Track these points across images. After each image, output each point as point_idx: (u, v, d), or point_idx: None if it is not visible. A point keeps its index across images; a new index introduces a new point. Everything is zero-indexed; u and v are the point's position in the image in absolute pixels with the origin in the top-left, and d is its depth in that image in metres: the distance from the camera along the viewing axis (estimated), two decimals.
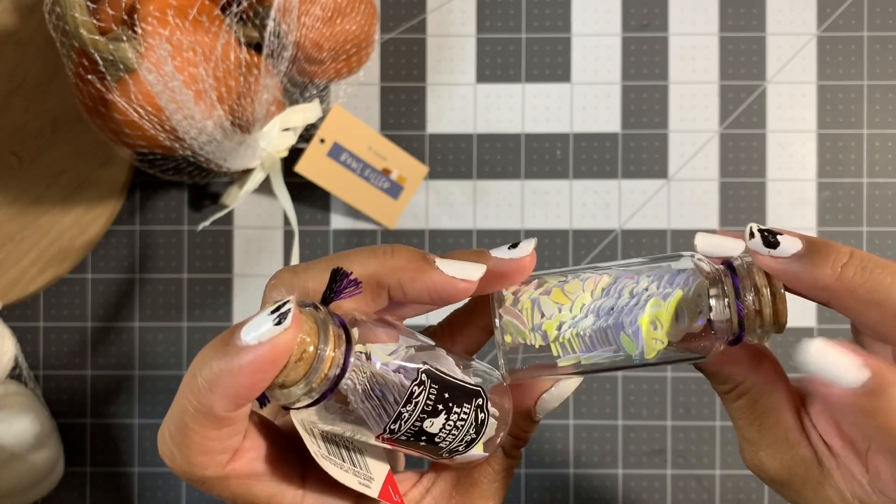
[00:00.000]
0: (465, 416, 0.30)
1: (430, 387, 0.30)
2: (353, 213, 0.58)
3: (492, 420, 0.32)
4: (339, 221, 0.58)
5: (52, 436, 0.54)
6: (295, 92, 0.52)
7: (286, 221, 0.58)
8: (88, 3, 0.45)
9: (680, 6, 0.58)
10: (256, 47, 0.49)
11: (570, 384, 0.33)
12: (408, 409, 0.29)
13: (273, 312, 0.26)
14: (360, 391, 0.29)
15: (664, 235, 0.58)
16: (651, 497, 0.58)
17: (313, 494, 0.30)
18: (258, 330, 0.26)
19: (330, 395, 0.28)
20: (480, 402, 0.31)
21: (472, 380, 0.31)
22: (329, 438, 0.31)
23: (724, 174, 0.58)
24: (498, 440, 0.32)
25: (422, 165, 0.57)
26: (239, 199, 0.54)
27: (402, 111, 0.58)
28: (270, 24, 0.47)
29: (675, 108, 0.58)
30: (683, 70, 0.58)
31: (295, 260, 0.52)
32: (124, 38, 0.45)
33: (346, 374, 0.28)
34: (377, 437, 0.30)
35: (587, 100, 0.58)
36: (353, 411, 0.29)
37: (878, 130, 0.58)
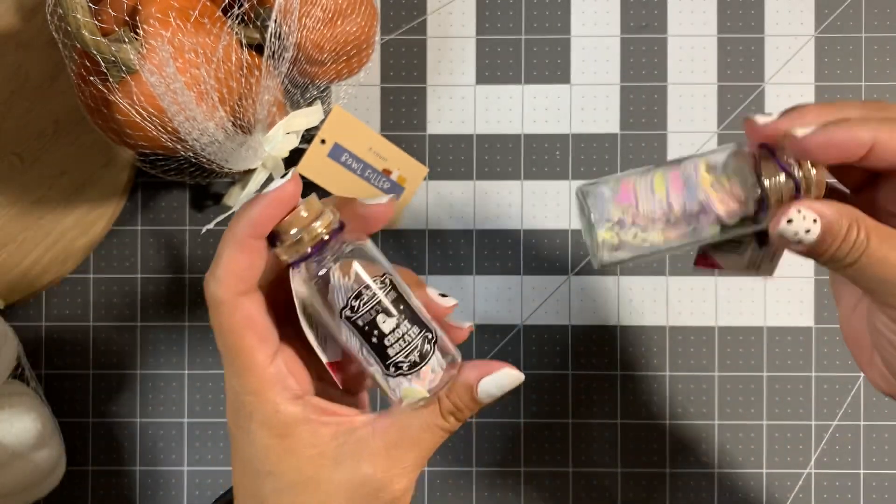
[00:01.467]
0: (413, 335, 0.36)
1: (391, 289, 0.36)
2: None
3: (436, 360, 0.36)
4: None
5: (53, 435, 0.54)
6: (296, 93, 0.52)
7: None
8: (90, 5, 0.45)
9: (679, 8, 0.58)
10: (258, 49, 0.49)
11: (512, 375, 0.37)
12: (368, 292, 0.35)
13: (282, 177, 0.35)
14: (338, 268, 0.35)
15: None
16: (649, 496, 0.58)
17: (279, 363, 0.36)
18: (275, 183, 0.35)
19: (317, 252, 0.35)
20: (430, 336, 0.36)
21: (429, 323, 0.37)
22: (309, 318, 0.36)
23: None
24: (436, 390, 0.37)
25: (422, 166, 0.57)
26: (241, 200, 0.54)
27: (402, 112, 0.59)
28: (271, 26, 0.47)
29: (673, 109, 0.58)
30: (682, 71, 0.58)
31: None
32: (126, 40, 0.45)
33: (331, 244, 0.35)
34: (340, 313, 0.35)
35: (586, 101, 0.58)
36: (329, 291, 0.35)
37: None
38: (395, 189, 0.57)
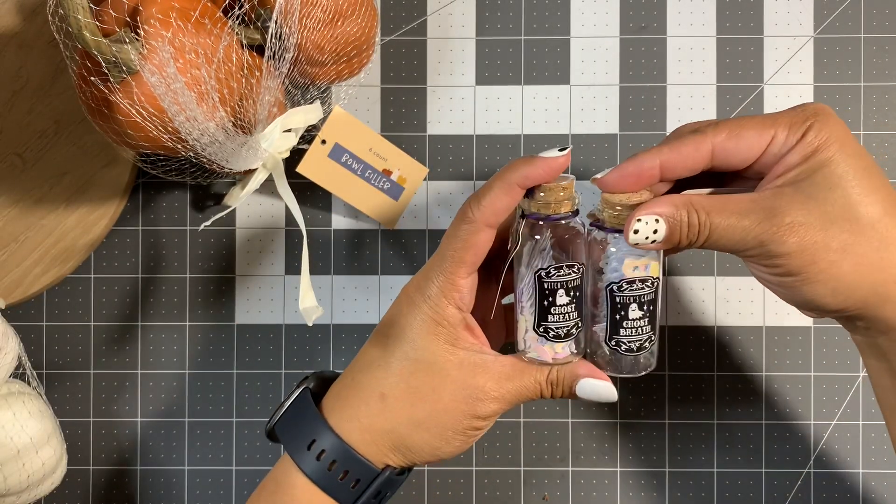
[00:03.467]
0: (571, 318, 0.45)
1: (579, 278, 0.45)
2: (355, 213, 0.58)
3: (571, 344, 0.45)
4: (340, 221, 0.58)
5: (54, 434, 0.54)
6: (296, 93, 0.52)
7: (288, 221, 0.59)
8: (91, 6, 0.46)
9: (678, 8, 0.58)
10: (258, 49, 0.49)
11: (609, 389, 0.45)
12: (565, 269, 0.44)
13: (559, 150, 0.43)
14: (556, 241, 0.44)
15: None
16: (648, 495, 0.58)
17: (469, 282, 0.45)
18: (551, 153, 0.43)
19: (552, 220, 0.44)
20: (580, 326, 0.45)
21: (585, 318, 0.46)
22: (510, 261, 0.45)
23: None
24: (554, 363, 0.45)
25: (422, 166, 0.57)
26: (241, 200, 0.54)
27: (402, 112, 0.59)
28: (272, 27, 0.47)
29: (672, 110, 0.58)
30: (681, 72, 0.58)
31: (305, 262, 0.52)
32: (127, 40, 0.45)
33: (573, 218, 0.44)
34: (536, 271, 0.44)
35: (586, 101, 0.58)
36: (538, 251, 0.44)
37: (874, 131, 0.58)
38: (395, 189, 0.57)
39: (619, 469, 0.58)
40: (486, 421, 0.45)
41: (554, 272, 0.44)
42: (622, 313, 0.45)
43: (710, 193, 0.44)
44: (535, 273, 0.44)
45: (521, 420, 0.58)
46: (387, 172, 0.56)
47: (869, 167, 0.42)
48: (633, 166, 0.44)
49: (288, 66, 0.49)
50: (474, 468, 0.59)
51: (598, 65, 0.59)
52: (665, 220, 0.42)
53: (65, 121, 0.57)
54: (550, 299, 0.44)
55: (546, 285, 0.44)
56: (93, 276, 0.59)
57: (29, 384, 0.55)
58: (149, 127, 0.46)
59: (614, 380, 0.46)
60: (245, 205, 0.59)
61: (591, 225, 0.45)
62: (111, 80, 0.45)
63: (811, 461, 0.58)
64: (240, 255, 0.59)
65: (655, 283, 0.45)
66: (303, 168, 0.55)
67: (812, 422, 0.58)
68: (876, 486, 0.58)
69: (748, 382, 0.58)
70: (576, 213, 0.45)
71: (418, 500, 0.58)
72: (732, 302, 0.58)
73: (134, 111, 0.45)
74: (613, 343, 0.45)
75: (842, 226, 0.41)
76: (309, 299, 0.46)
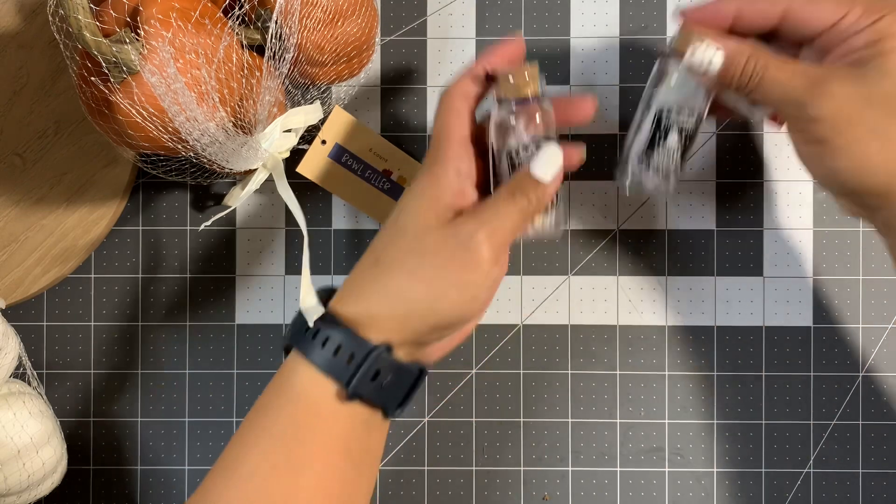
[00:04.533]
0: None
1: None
2: (355, 213, 0.59)
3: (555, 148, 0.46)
4: (340, 222, 0.59)
5: (54, 434, 0.54)
6: (296, 94, 0.52)
7: (288, 221, 0.59)
8: (91, 6, 0.46)
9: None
10: (258, 49, 0.49)
11: (551, 150, 0.45)
12: (523, 151, 0.46)
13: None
14: (521, 123, 0.46)
15: (662, 235, 0.58)
16: (648, 495, 0.58)
17: (461, 152, 0.46)
18: (509, 40, 0.47)
19: (517, 104, 0.46)
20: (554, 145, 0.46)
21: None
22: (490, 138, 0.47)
23: (721, 175, 0.58)
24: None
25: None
26: (241, 200, 0.54)
27: (402, 112, 0.59)
28: (272, 27, 0.47)
29: None
30: None
31: (306, 262, 0.52)
32: (127, 41, 0.45)
33: (527, 106, 0.46)
34: (508, 152, 0.46)
35: None
36: (506, 131, 0.46)
37: None
38: (396, 190, 0.57)
39: (619, 469, 0.58)
40: (491, 267, 0.44)
41: (517, 150, 0.47)
42: (663, 137, 0.48)
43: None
44: (505, 153, 0.47)
45: (521, 420, 0.59)
46: (387, 173, 0.56)
47: None
48: (713, 7, 0.46)
49: (288, 66, 0.49)
50: (474, 468, 0.59)
51: (598, 65, 0.59)
52: (725, 54, 0.45)
53: (65, 121, 0.57)
54: (516, 167, 0.47)
55: (508, 160, 0.47)
56: (93, 276, 0.59)
57: (29, 384, 0.56)
58: (149, 127, 0.46)
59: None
60: (245, 205, 0.59)
61: (665, 56, 0.48)
62: (111, 80, 0.45)
63: (811, 461, 0.58)
64: (240, 255, 0.59)
65: (698, 119, 0.48)
66: (303, 168, 0.55)
67: (812, 422, 0.58)
68: (876, 486, 0.58)
69: (748, 382, 0.58)
70: (537, 99, 0.46)
71: (418, 500, 0.58)
72: (732, 302, 0.58)
73: (134, 111, 0.45)
74: (647, 160, 0.49)
75: (880, 110, 0.43)
76: (310, 299, 0.46)
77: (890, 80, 0.43)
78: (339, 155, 0.55)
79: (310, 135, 0.55)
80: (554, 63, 0.59)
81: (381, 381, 0.44)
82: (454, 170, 0.45)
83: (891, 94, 0.43)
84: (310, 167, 0.55)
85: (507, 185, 0.45)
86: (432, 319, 0.44)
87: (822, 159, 0.44)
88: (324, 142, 0.55)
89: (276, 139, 0.50)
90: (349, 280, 0.46)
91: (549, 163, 0.45)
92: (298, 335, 0.45)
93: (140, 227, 0.59)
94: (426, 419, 0.59)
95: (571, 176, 0.58)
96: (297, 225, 0.59)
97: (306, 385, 0.44)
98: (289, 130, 0.52)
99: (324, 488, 0.43)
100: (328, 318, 0.44)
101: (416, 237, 0.44)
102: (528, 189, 0.45)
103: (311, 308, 0.46)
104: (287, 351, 0.46)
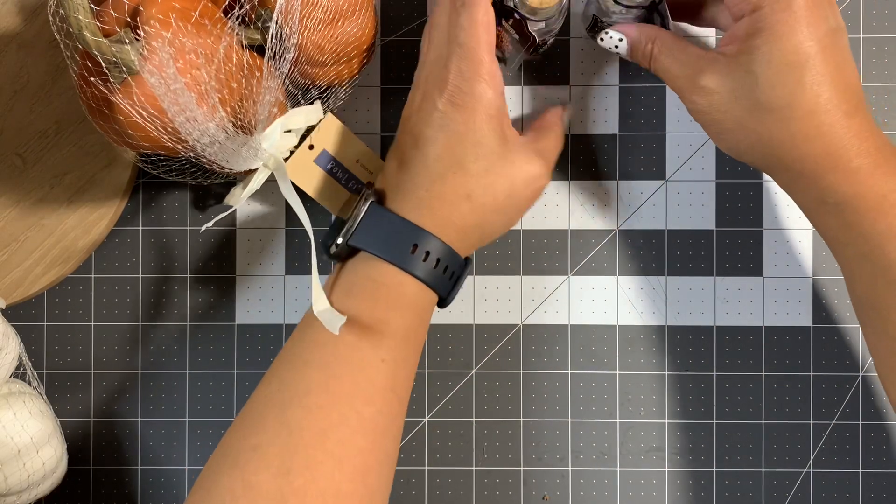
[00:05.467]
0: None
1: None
2: None
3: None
4: None
5: (55, 434, 0.54)
6: (297, 94, 0.52)
7: (288, 221, 0.59)
8: (92, 6, 0.46)
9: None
10: (258, 49, 0.49)
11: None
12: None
13: None
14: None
15: (662, 235, 0.58)
16: (648, 495, 0.58)
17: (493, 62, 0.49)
18: None
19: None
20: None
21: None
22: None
23: (721, 175, 0.58)
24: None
25: None
26: (242, 200, 0.54)
27: (402, 113, 0.59)
28: (272, 27, 0.47)
29: (672, 110, 0.58)
30: None
31: (315, 264, 0.52)
32: (127, 41, 0.45)
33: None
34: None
35: (585, 102, 0.58)
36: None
37: None
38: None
39: (619, 469, 0.58)
40: (539, 181, 0.50)
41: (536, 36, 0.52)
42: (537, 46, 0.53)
43: (687, 38, 0.52)
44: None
45: (521, 420, 0.59)
46: (370, 185, 0.56)
47: (793, 64, 0.45)
48: None
49: (288, 66, 0.49)
50: (474, 468, 0.59)
51: (598, 65, 0.59)
52: (628, 41, 0.51)
53: (65, 121, 0.57)
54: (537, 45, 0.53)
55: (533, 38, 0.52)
56: (93, 276, 0.59)
57: (29, 384, 0.56)
58: (149, 127, 0.46)
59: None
60: (245, 205, 0.59)
61: None
62: (111, 80, 0.45)
63: (811, 461, 0.58)
64: (240, 255, 0.59)
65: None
66: (287, 168, 0.54)
67: (811, 422, 0.58)
68: (876, 486, 0.58)
69: (748, 382, 0.58)
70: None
71: (418, 500, 0.59)
72: (732, 302, 0.58)
73: (134, 111, 0.45)
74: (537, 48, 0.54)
75: (743, 105, 0.46)
76: (321, 302, 0.46)
77: (751, 78, 0.46)
78: (326, 162, 0.54)
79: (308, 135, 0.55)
80: (554, 63, 0.59)
81: (459, 284, 0.51)
82: (501, 88, 0.49)
83: (751, 91, 0.46)
84: (293, 168, 0.54)
85: (558, 123, 0.53)
86: (507, 228, 0.52)
87: (714, 141, 0.50)
88: (311, 147, 0.54)
89: (276, 140, 0.50)
90: (430, 199, 0.49)
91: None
92: (388, 248, 0.48)
93: (140, 227, 0.59)
94: (426, 419, 0.59)
95: (571, 176, 0.59)
96: (298, 225, 0.59)
97: (416, 296, 0.49)
98: (289, 131, 0.52)
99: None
100: (420, 232, 0.48)
101: (499, 168, 0.49)
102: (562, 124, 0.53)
103: (325, 311, 0.46)
104: (335, 255, 0.50)
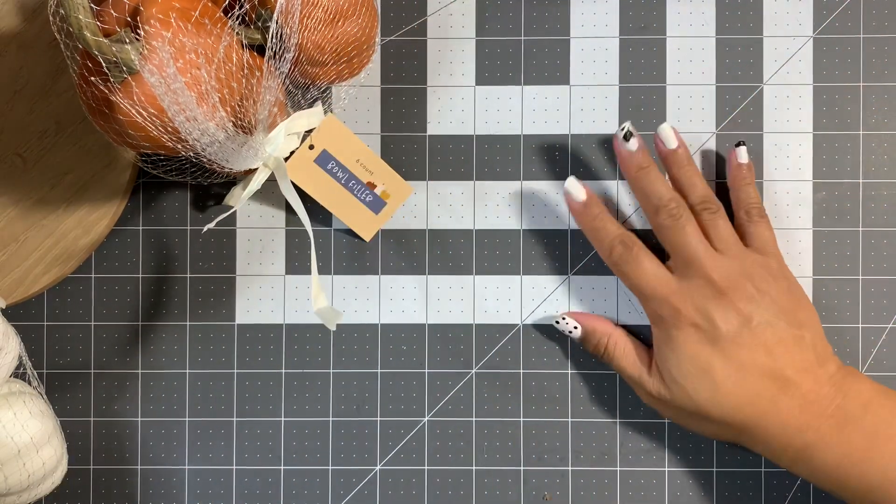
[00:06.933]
0: None
1: None
2: None
3: None
4: (340, 222, 0.59)
5: (55, 434, 0.54)
6: (297, 93, 0.52)
7: (288, 221, 0.59)
8: (92, 6, 0.46)
9: (677, 9, 0.59)
10: (259, 49, 0.49)
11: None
12: None
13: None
14: None
15: None
16: (648, 495, 0.58)
17: None
18: None
19: None
20: None
21: None
22: None
23: (721, 175, 0.59)
24: None
25: (408, 185, 0.57)
26: (242, 200, 0.54)
27: (402, 113, 0.59)
28: (273, 27, 0.47)
29: (672, 110, 0.59)
30: (681, 72, 0.59)
31: (314, 263, 0.52)
32: (127, 41, 0.45)
33: None
34: None
35: (585, 101, 0.59)
36: None
37: (873, 131, 0.58)
38: (377, 203, 0.57)
39: (618, 469, 0.58)
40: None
41: None
42: None
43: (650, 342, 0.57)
44: None
45: (521, 420, 0.59)
46: (371, 185, 0.56)
47: (703, 371, 0.53)
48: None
49: (288, 66, 0.49)
50: (474, 468, 0.59)
51: (598, 65, 0.59)
52: (581, 331, 0.57)
53: (65, 121, 0.57)
54: None
55: None
56: (93, 276, 0.59)
57: (29, 384, 0.56)
58: (149, 127, 0.46)
59: None
60: (245, 205, 0.59)
61: None
62: (112, 80, 0.45)
63: None
64: (240, 255, 0.59)
65: None
66: (287, 168, 0.55)
67: None
68: None
69: None
70: None
71: (418, 500, 0.59)
72: None
73: (134, 111, 0.45)
74: None
75: (678, 412, 0.55)
76: (321, 300, 0.46)
77: (676, 387, 0.54)
78: (326, 162, 0.54)
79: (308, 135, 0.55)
80: (554, 63, 0.59)
81: None
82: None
83: (682, 401, 0.54)
84: (294, 169, 0.54)
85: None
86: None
87: None
88: (312, 147, 0.54)
89: (280, 143, 0.50)
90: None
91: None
92: None
93: (140, 227, 0.59)
94: (426, 419, 0.59)
95: (573, 175, 0.59)
96: (298, 225, 0.59)
97: None
98: (291, 133, 0.52)
99: None
100: None
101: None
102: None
103: (325, 309, 0.46)
104: None
